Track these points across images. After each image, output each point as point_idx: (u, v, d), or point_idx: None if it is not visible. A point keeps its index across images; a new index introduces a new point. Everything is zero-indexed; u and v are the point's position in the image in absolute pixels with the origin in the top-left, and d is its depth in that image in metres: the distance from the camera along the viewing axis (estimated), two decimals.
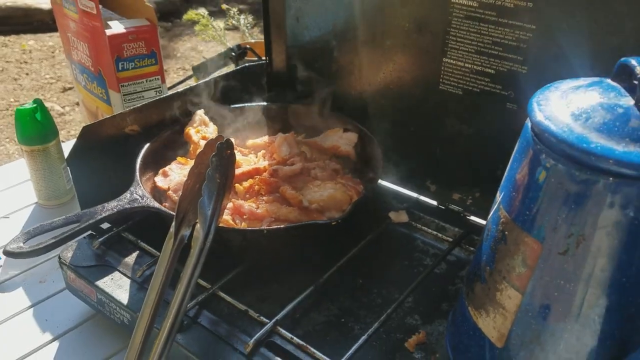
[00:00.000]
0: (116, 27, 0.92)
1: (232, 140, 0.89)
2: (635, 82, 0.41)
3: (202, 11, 2.17)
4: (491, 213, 0.52)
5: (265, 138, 0.90)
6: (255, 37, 2.58)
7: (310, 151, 0.87)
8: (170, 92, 0.89)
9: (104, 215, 0.65)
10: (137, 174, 0.73)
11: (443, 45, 0.75)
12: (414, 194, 0.86)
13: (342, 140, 0.87)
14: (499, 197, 0.51)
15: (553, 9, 0.63)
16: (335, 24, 0.88)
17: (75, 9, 0.92)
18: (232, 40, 2.96)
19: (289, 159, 0.82)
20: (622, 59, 0.43)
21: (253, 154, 0.88)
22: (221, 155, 0.64)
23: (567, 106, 0.44)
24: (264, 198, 0.73)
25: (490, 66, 0.72)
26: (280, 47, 0.99)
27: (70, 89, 3.52)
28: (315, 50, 0.93)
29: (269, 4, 0.95)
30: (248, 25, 2.40)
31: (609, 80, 0.45)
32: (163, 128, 0.85)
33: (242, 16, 2.35)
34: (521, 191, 0.47)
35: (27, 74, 3.69)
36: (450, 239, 0.75)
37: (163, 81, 1.00)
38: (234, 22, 2.42)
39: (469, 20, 0.71)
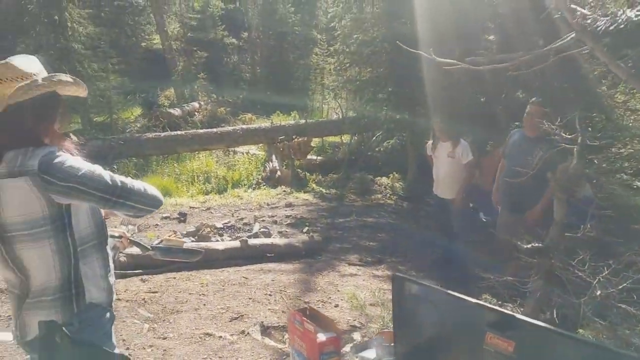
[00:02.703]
0: (321, 336, 1.87)
1: None
2: None
3: (351, 289, 3.21)
4: None
5: None
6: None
7: None
8: None
9: None
10: None
11: None
12: None
13: None
14: None
15: None
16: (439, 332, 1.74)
17: (302, 328, 1.93)
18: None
19: None
20: None
21: None
22: None
23: None
24: None
25: None
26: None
27: (236, 319, 4.49)
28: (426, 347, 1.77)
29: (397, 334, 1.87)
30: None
31: None
32: None
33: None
34: None
35: (204, 304, 4.52)
36: None
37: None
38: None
39: None
